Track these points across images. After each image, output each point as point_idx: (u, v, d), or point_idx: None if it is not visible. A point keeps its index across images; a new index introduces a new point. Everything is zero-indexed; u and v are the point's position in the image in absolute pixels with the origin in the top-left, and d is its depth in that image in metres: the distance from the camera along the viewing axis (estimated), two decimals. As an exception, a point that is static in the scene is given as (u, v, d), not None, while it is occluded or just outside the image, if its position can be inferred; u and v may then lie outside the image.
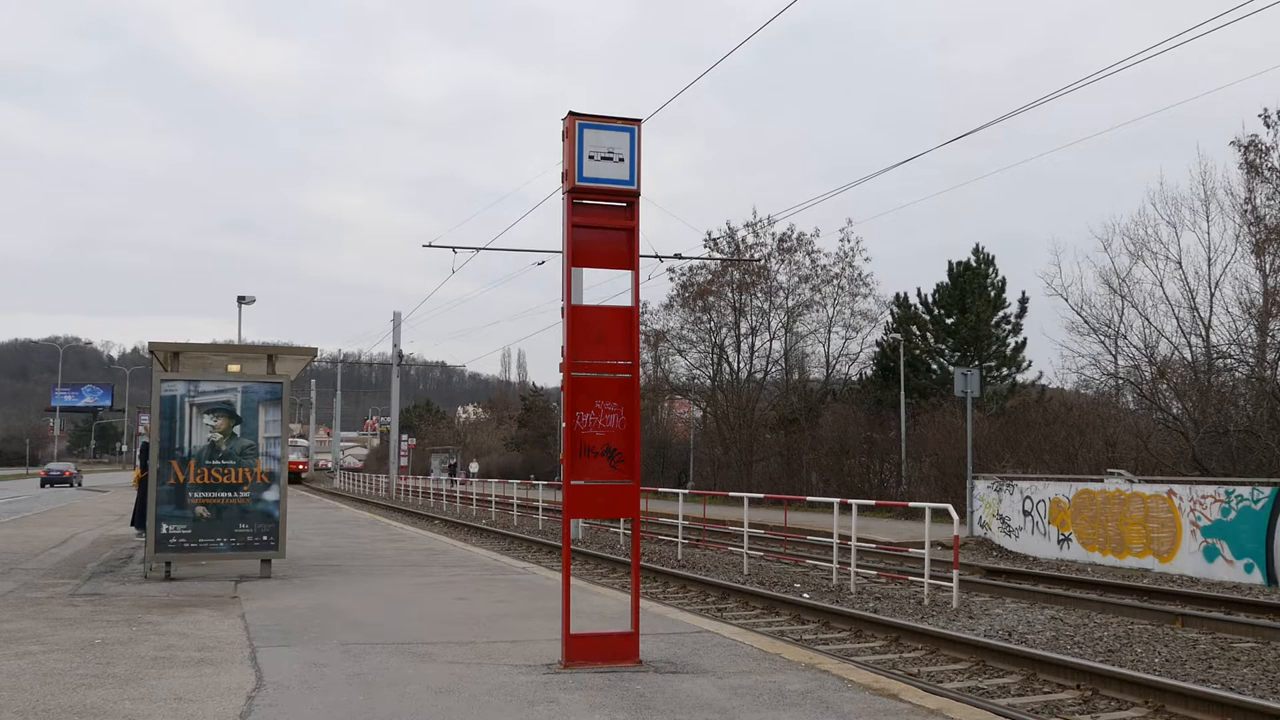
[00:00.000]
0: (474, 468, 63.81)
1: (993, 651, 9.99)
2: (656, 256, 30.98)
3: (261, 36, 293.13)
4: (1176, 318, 28.49)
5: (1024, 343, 40.94)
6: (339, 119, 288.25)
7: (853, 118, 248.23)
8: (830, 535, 17.10)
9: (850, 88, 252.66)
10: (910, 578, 15.50)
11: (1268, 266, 26.82)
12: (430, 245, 32.11)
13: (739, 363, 48.75)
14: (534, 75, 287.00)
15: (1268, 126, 25.93)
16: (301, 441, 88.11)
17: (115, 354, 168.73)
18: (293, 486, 60.34)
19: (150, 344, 13.08)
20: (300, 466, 78.11)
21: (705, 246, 46.20)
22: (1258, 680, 9.39)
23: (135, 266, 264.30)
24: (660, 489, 30.60)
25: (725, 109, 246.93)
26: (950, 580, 13.99)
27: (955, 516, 14.54)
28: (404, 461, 67.49)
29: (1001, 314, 40.98)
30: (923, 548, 14.75)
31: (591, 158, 7.08)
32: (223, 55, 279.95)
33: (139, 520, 15.51)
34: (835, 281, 46.27)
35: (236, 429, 11.97)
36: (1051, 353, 53.12)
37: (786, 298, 47.42)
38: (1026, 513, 21.32)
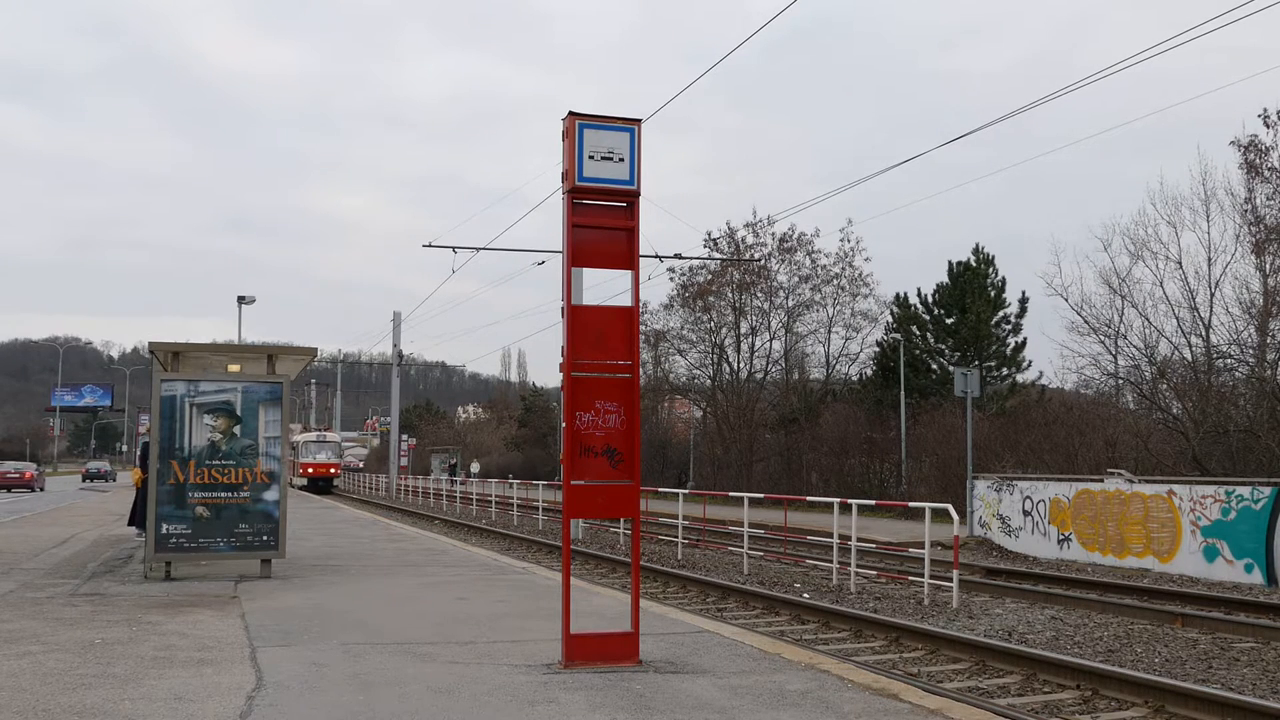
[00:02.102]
0: (475, 468, 63.56)
1: (993, 651, 9.99)
2: (656, 256, 31.07)
3: (262, 36, 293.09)
4: (1176, 318, 28.53)
5: (1024, 343, 40.99)
6: (340, 119, 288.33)
7: (854, 118, 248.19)
8: (830, 535, 17.10)
9: (851, 88, 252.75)
10: (910, 578, 15.50)
11: (1268, 266, 26.84)
12: (430, 245, 32.20)
13: (739, 363, 48.79)
14: (535, 75, 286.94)
15: (1268, 126, 25.98)
16: (330, 437, 64.46)
17: (115, 354, 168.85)
18: (315, 496, 48.84)
19: (150, 344, 13.09)
20: (332, 470, 59.24)
21: (705, 246, 46.30)
22: (1258, 680, 9.39)
23: (135, 266, 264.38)
24: (660, 489, 30.60)
25: (728, 109, 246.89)
26: (950, 580, 13.99)
27: (955, 516, 14.54)
28: (404, 461, 67.37)
29: (1001, 314, 40.99)
30: (923, 548, 14.75)
31: (591, 158, 7.08)
32: (224, 55, 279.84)
33: (136, 520, 15.51)
34: (835, 281, 46.34)
35: (236, 429, 11.97)
36: (1051, 353, 53.17)
37: (786, 298, 47.49)
38: (1026, 513, 21.32)
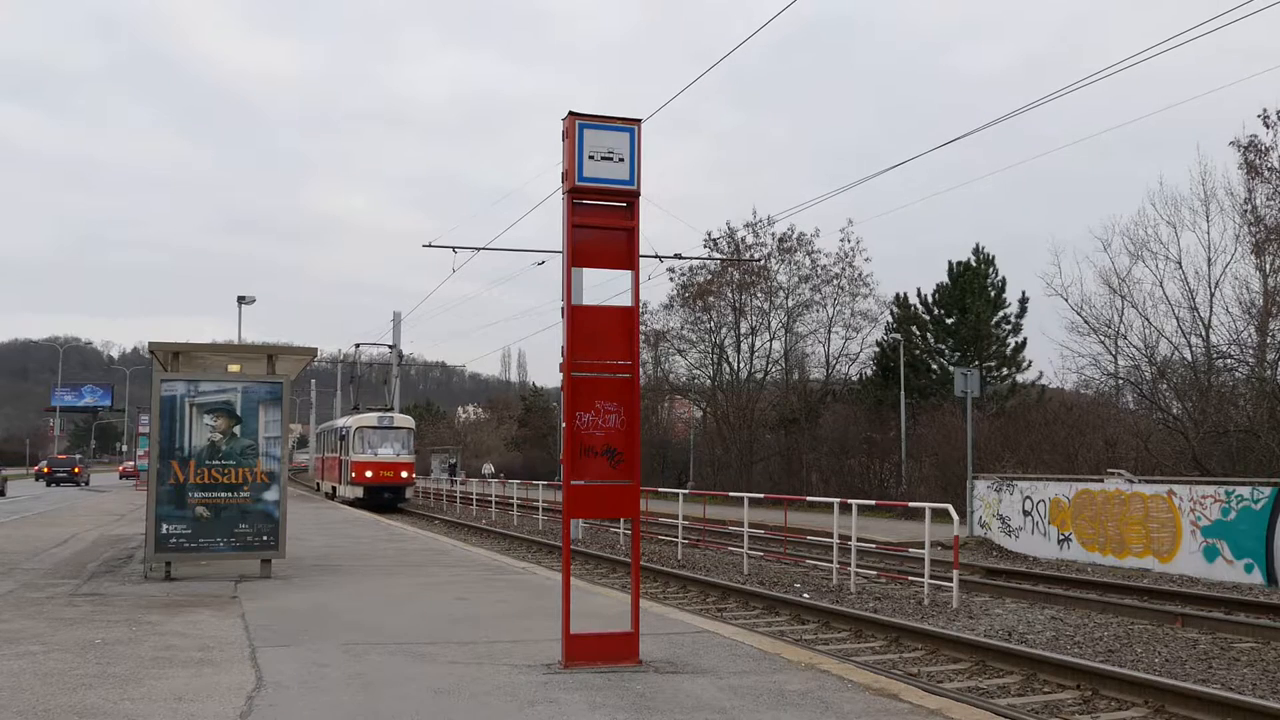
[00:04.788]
0: (487, 469, 61.43)
1: (993, 651, 9.99)
2: (656, 256, 31.14)
3: (264, 35, 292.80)
4: (1176, 318, 28.57)
5: (1024, 343, 41.03)
6: (341, 118, 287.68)
7: (855, 118, 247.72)
8: (830, 535, 17.10)
9: (853, 87, 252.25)
10: (910, 578, 15.50)
11: (1268, 266, 26.88)
12: (430, 245, 32.15)
13: (739, 363, 48.81)
14: (536, 75, 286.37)
15: (1267, 127, 26.01)
16: (401, 421, 40.42)
17: (115, 354, 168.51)
18: (340, 504, 36.79)
19: (150, 344, 13.09)
20: (403, 475, 38.17)
21: (705, 246, 46.34)
22: (1258, 680, 9.39)
23: (136, 266, 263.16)
24: (660, 489, 30.59)
25: (729, 109, 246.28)
26: (950, 580, 13.99)
27: (955, 516, 14.54)
28: (404, 461, 66.77)
29: (1001, 314, 41.02)
30: (923, 548, 14.74)
31: (592, 158, 7.08)
32: (225, 54, 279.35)
33: None
34: (835, 281, 46.37)
35: (236, 429, 11.98)
36: (1051, 353, 53.22)
37: (786, 298, 47.51)
38: (1026, 513, 21.32)
